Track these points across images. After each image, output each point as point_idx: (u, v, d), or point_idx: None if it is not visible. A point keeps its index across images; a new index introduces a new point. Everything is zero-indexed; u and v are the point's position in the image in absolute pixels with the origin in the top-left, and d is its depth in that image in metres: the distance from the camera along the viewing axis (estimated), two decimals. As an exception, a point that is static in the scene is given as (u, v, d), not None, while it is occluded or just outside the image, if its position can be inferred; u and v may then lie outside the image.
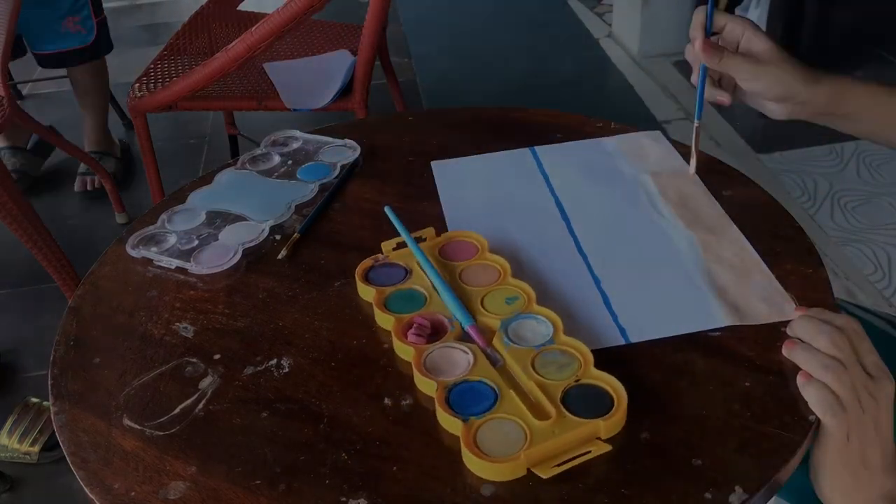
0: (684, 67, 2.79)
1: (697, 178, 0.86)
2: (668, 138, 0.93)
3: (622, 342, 0.66)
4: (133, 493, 0.56)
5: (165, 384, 0.65)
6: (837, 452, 0.59)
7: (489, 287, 0.71)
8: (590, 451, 0.56)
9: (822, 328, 0.63)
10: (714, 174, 0.86)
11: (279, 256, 0.78)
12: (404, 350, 0.65)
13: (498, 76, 2.86)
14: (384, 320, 0.69)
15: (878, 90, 0.78)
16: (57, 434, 0.61)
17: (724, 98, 0.80)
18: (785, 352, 0.64)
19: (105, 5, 2.41)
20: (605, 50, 2.99)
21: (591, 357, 0.62)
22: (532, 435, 0.57)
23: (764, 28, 2.42)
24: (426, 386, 0.62)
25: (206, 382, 0.65)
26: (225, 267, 0.77)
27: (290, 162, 0.94)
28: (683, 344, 0.65)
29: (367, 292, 0.72)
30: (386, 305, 0.70)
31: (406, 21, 3.23)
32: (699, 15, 0.78)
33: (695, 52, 0.78)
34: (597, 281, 0.73)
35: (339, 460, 0.57)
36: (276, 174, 0.92)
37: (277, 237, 0.82)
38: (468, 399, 0.60)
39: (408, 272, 0.74)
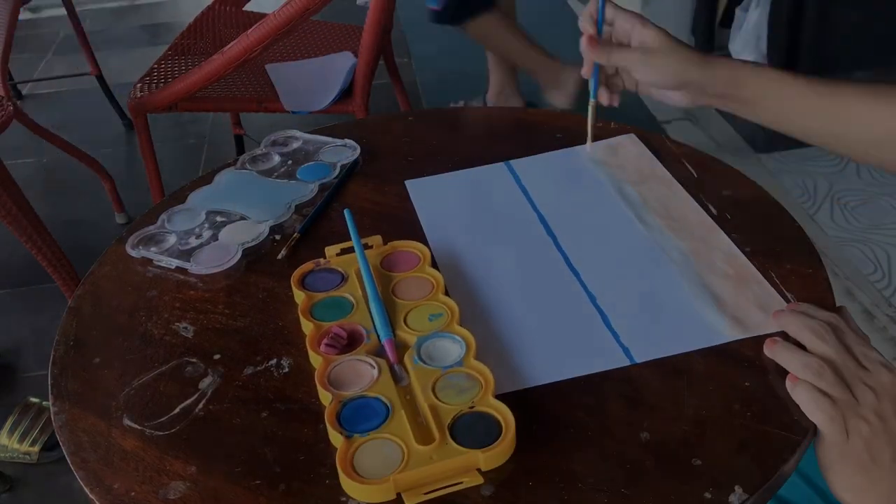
0: (684, 68, 2.79)
1: (678, 184, 0.84)
2: (668, 139, 0.93)
3: (627, 363, 0.64)
4: (133, 493, 0.56)
5: (165, 384, 0.65)
6: (839, 452, 0.58)
7: (417, 301, 0.69)
8: (461, 483, 0.54)
9: (807, 322, 0.63)
10: (714, 174, 0.86)
11: (279, 256, 0.78)
12: (315, 359, 0.64)
13: (498, 76, 2.85)
14: (306, 327, 0.68)
15: (777, 77, 0.76)
16: (57, 434, 0.61)
17: (610, 100, 0.85)
18: (767, 351, 0.63)
19: (105, 5, 2.41)
20: (605, 50, 2.99)
21: (492, 383, 0.60)
22: (409, 458, 0.55)
23: (765, 29, 2.42)
24: (324, 397, 0.61)
25: (206, 382, 0.65)
26: (225, 267, 0.77)
27: (289, 162, 0.94)
28: (683, 344, 0.65)
29: (298, 297, 0.71)
30: (312, 312, 0.69)
31: (406, 21, 3.23)
32: (591, 6, 0.80)
33: (583, 47, 0.81)
34: (592, 297, 0.71)
35: (338, 460, 0.57)
36: (275, 174, 0.92)
37: (277, 237, 0.82)
38: (360, 415, 0.59)
39: (343, 279, 0.73)
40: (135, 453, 0.59)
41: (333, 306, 0.70)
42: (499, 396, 0.59)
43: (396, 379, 0.62)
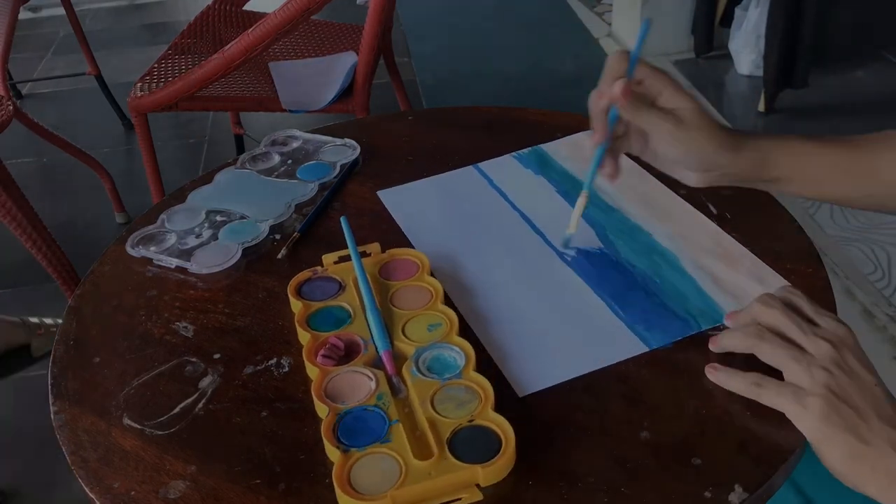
0: (684, 67, 2.79)
1: (646, 172, 0.85)
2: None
3: (645, 349, 0.65)
4: (133, 493, 0.56)
5: (165, 383, 0.65)
6: (807, 412, 0.56)
7: (416, 311, 0.68)
8: (460, 499, 0.53)
9: (752, 302, 0.64)
10: (714, 174, 0.86)
11: (279, 256, 0.78)
12: (311, 371, 0.63)
13: (498, 76, 2.86)
14: (303, 337, 0.67)
15: (805, 147, 0.69)
16: (57, 434, 0.61)
17: (613, 174, 0.71)
18: (711, 346, 0.64)
19: (105, 5, 2.40)
20: (605, 50, 2.99)
21: (492, 396, 0.59)
22: (407, 474, 0.54)
23: (763, 28, 2.42)
24: (320, 410, 0.60)
25: (205, 382, 0.65)
26: (225, 266, 0.77)
27: (289, 161, 0.94)
28: (683, 343, 0.65)
29: (295, 306, 0.70)
30: (309, 321, 0.68)
31: (406, 21, 3.23)
32: (618, 61, 0.67)
33: (612, 95, 0.66)
34: (594, 289, 0.71)
35: (338, 460, 0.57)
36: (275, 173, 0.92)
37: (277, 237, 0.82)
38: (358, 428, 0.58)
39: (341, 288, 0.72)
40: (135, 453, 0.59)
41: (331, 316, 0.69)
42: (504, 401, 0.59)
43: (394, 391, 0.61)
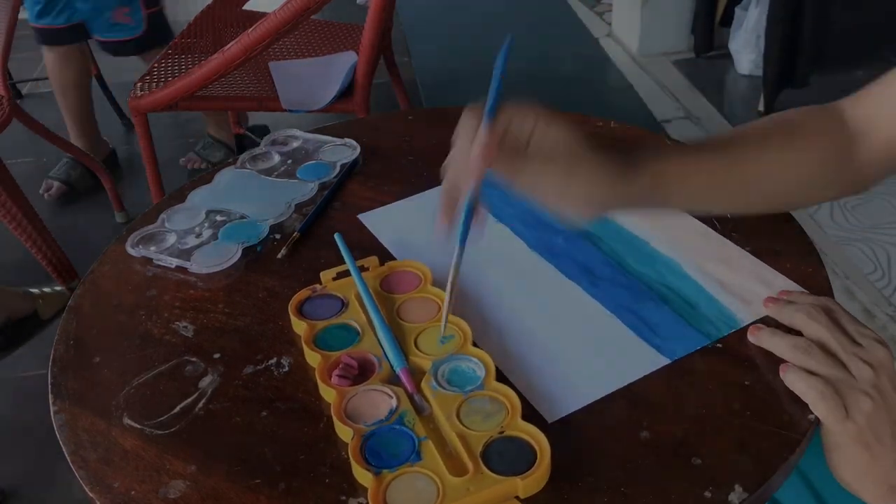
0: (684, 67, 2.79)
1: None
2: (669, 138, 0.93)
3: (667, 361, 0.63)
4: (133, 492, 0.56)
5: (165, 383, 0.65)
6: (841, 432, 0.57)
7: (425, 324, 0.66)
8: None
9: (798, 305, 0.64)
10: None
11: (279, 255, 0.78)
12: (327, 392, 0.61)
13: (498, 76, 2.85)
14: (312, 358, 0.65)
15: (684, 160, 0.63)
16: (57, 433, 0.61)
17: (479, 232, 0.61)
18: (751, 338, 0.64)
19: (105, 5, 2.39)
20: (605, 49, 2.99)
21: (519, 406, 0.58)
22: (445, 492, 0.53)
23: (763, 28, 2.42)
24: (344, 433, 0.58)
25: (205, 381, 0.65)
26: (224, 266, 0.77)
27: (289, 161, 0.94)
28: (683, 343, 0.65)
29: (299, 326, 0.68)
30: (316, 341, 0.66)
31: (406, 21, 3.23)
32: (471, 117, 0.57)
33: (469, 160, 0.56)
34: (603, 304, 0.69)
35: (338, 460, 0.57)
36: (275, 173, 0.92)
37: (277, 236, 0.82)
38: (386, 448, 0.56)
39: (344, 305, 0.70)
40: (135, 452, 0.59)
41: (338, 334, 0.67)
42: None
43: (418, 409, 0.59)
